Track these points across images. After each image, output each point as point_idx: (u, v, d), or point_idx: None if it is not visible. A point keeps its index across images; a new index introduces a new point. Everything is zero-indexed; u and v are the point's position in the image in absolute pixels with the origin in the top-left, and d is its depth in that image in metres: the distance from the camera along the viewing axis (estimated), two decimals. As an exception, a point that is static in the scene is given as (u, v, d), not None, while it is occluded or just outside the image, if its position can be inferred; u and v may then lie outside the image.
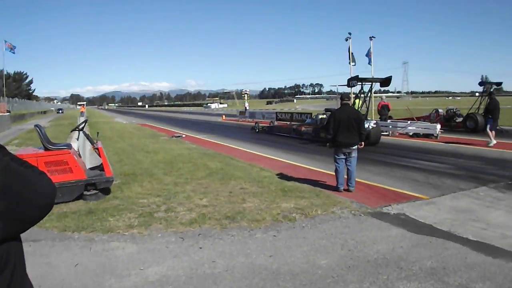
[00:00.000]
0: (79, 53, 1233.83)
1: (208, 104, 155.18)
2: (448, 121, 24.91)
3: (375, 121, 19.16)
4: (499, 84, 25.75)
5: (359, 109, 17.85)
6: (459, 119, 24.68)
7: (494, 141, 16.62)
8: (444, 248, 5.76)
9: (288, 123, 29.95)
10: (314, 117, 23.73)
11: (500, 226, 6.70)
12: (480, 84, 24.44)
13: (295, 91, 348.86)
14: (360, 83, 18.77)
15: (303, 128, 22.78)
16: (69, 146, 8.90)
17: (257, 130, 27.94)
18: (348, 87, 19.84)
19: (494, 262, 5.21)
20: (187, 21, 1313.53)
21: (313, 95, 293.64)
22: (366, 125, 16.71)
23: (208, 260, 5.47)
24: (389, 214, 7.50)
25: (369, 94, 19.27)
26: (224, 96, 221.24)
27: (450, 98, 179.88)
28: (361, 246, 5.88)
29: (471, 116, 23.35)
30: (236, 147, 19.06)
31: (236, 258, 5.53)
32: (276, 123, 30.99)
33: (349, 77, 19.44)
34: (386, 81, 18.77)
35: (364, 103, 18.95)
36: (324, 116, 20.82)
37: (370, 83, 19.04)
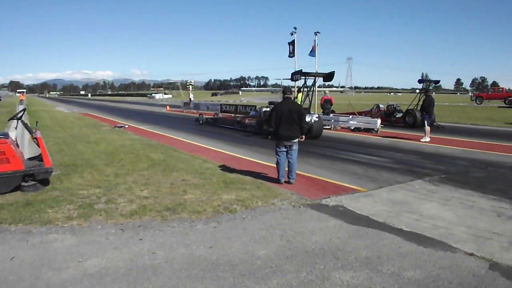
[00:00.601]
0: (18, 37, 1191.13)
1: (153, 95, 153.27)
2: (389, 116, 25.66)
3: (318, 115, 19.45)
4: (437, 82, 26.75)
5: (302, 103, 18.07)
6: (399, 115, 25.49)
7: (428, 138, 17.29)
8: (379, 239, 5.97)
9: (232, 115, 29.97)
10: (257, 110, 23.89)
11: (432, 217, 7.01)
12: (419, 81, 25.27)
13: (241, 83, 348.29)
14: (304, 77, 18.99)
15: (246, 121, 22.92)
16: (6, 135, 8.61)
17: (201, 122, 27.91)
18: (291, 81, 20.07)
19: (425, 251, 5.47)
20: (132, 10, 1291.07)
21: (258, 88, 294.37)
22: (309, 119, 16.99)
23: (148, 252, 5.46)
24: (328, 206, 7.67)
25: (312, 89, 19.51)
26: (169, 86, 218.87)
27: (392, 94, 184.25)
28: (300, 237, 6.01)
29: (410, 112, 24.15)
30: (179, 138, 18.96)
31: (176, 250, 5.54)
32: (220, 115, 30.96)
33: (293, 71, 19.63)
34: (329, 76, 19.05)
35: (307, 97, 19.19)
36: (268, 109, 21.01)
37: (314, 77, 19.29)
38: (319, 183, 9.66)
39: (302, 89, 19.88)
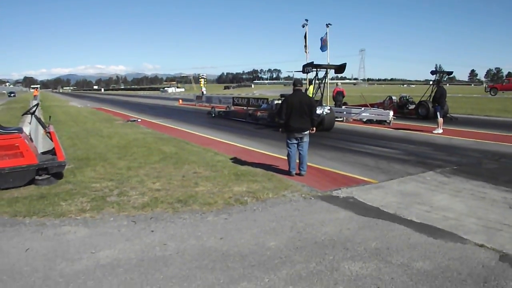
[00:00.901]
0: (32, 33, 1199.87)
1: (165, 88, 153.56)
2: (401, 108, 25.52)
3: (329, 107, 19.39)
4: (450, 73, 26.46)
5: (313, 96, 18.04)
6: (412, 106, 25.34)
7: (440, 130, 17.19)
8: (389, 230, 5.98)
9: (244, 108, 29.98)
10: (269, 103, 23.89)
11: (443, 208, 6.99)
12: (432, 73, 25.03)
13: (253, 76, 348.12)
14: (315, 70, 18.92)
15: (258, 113, 22.92)
16: (20, 130, 8.71)
17: (213, 115, 27.95)
18: (303, 73, 20.00)
19: (435, 242, 5.47)
20: (144, 4, 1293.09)
21: (271, 81, 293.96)
22: (320, 111, 16.96)
23: (159, 243, 5.53)
24: (338, 198, 7.69)
25: (324, 81, 19.45)
26: (181, 80, 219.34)
27: (405, 86, 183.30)
28: (310, 228, 6.04)
29: (423, 103, 24.00)
30: (191, 131, 19.04)
31: (187, 241, 5.60)
32: (232, 108, 30.99)
33: (302, 64, 19.59)
34: (340, 68, 18.97)
35: (319, 89, 19.13)
36: (280, 101, 20.98)
37: (325, 69, 19.22)
38: (330, 175, 9.67)
39: (313, 81, 19.82)
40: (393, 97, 26.86)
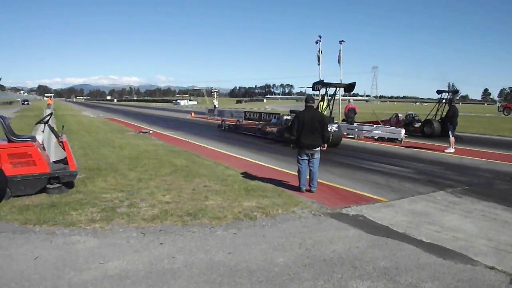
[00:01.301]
0: (48, 43, 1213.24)
1: (178, 101, 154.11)
2: (407, 126, 25.40)
3: (337, 125, 19.42)
4: (456, 92, 26.50)
5: (324, 112, 18.07)
6: (417, 124, 25.30)
7: (452, 149, 17.06)
8: (398, 249, 5.94)
9: (255, 122, 30.08)
10: (279, 118, 23.98)
11: (453, 229, 6.93)
12: (438, 92, 25.04)
13: (266, 91, 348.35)
14: (325, 88, 18.97)
15: (268, 128, 23.06)
16: (33, 138, 8.82)
17: (224, 128, 28.16)
18: (313, 90, 20.08)
19: (444, 263, 5.42)
20: (159, 16, 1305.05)
21: (283, 96, 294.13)
22: (329, 128, 16.99)
23: (168, 256, 5.54)
24: (348, 215, 7.66)
25: (333, 98, 19.48)
26: (194, 93, 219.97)
27: (417, 103, 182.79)
28: (319, 246, 6.02)
29: (429, 122, 23.98)
30: (203, 145, 19.12)
31: (196, 254, 5.61)
32: (244, 122, 31.09)
33: (315, 80, 19.66)
34: (350, 87, 19.05)
35: (328, 107, 19.15)
36: (289, 117, 21.12)
37: (335, 87, 19.28)
38: (340, 192, 9.64)
39: (325, 98, 19.86)
40: (399, 115, 26.90)
